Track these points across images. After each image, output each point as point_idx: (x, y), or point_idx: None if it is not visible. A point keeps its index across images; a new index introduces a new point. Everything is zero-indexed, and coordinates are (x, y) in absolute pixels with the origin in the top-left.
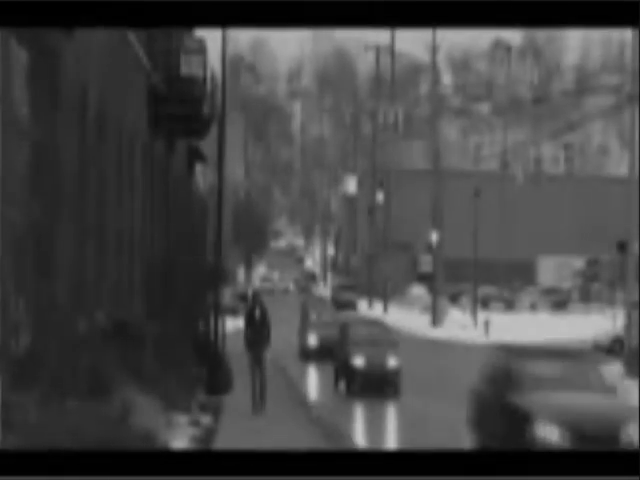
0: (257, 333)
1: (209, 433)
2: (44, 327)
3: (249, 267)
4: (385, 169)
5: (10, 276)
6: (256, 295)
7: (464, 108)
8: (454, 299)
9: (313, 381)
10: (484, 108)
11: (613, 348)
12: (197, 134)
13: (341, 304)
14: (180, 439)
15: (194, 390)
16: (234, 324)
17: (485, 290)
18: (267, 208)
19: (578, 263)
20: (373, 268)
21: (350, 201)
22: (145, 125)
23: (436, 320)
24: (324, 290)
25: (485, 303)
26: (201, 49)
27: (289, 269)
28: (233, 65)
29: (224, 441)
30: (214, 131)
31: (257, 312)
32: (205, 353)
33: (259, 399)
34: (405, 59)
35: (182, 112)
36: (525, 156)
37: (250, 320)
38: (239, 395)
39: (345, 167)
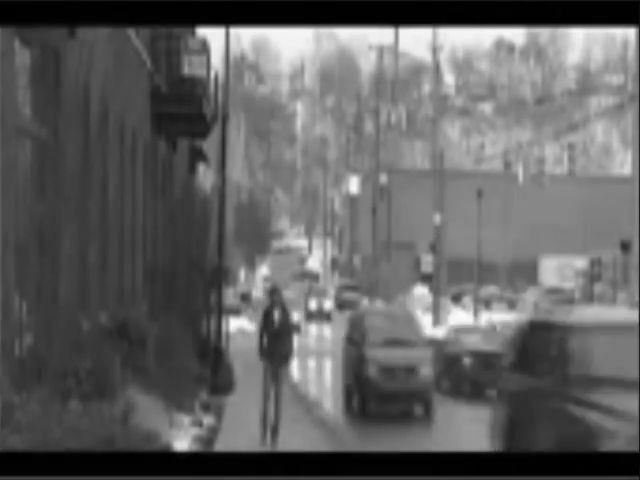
0: (275, 341)
1: (212, 433)
2: (47, 327)
3: (252, 267)
4: (388, 169)
5: (13, 276)
6: (275, 292)
7: (467, 108)
8: (456, 299)
9: None
10: (487, 108)
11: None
12: (200, 134)
13: (344, 304)
14: (183, 439)
15: (197, 390)
16: (236, 324)
17: (487, 290)
18: (269, 208)
19: (580, 263)
20: (375, 268)
21: (353, 201)
22: (148, 125)
23: (438, 320)
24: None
25: (488, 303)
26: (204, 49)
27: (292, 270)
28: (236, 65)
29: None
30: (217, 131)
31: (276, 314)
32: (208, 353)
33: (271, 428)
34: (408, 59)
35: (184, 112)
36: (528, 156)
37: (267, 324)
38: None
39: (348, 167)
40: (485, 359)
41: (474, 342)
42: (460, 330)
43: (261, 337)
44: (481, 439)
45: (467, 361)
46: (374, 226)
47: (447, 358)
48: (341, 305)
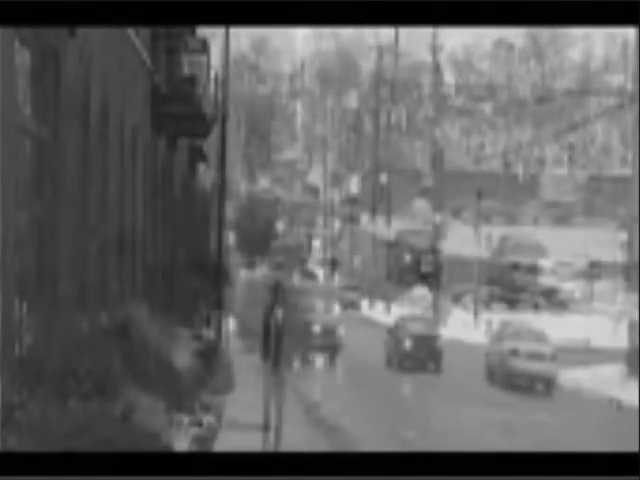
0: (278, 341)
1: (211, 433)
2: (47, 327)
3: (252, 267)
4: (387, 169)
5: (13, 276)
6: (278, 287)
7: (466, 108)
8: (457, 299)
9: None
10: (487, 108)
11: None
12: (199, 134)
13: (344, 304)
14: (183, 439)
15: (197, 390)
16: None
17: (488, 290)
18: (269, 208)
19: (580, 263)
20: (376, 268)
21: (353, 201)
22: (148, 125)
23: (438, 320)
24: None
25: (488, 303)
26: (204, 49)
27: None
28: (235, 64)
29: None
30: (216, 131)
31: (279, 312)
32: (208, 352)
33: (274, 434)
34: (408, 59)
35: (184, 112)
36: (528, 156)
37: (269, 322)
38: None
39: (348, 167)
40: (422, 341)
41: (415, 328)
42: (405, 318)
43: (264, 337)
44: None
45: (408, 342)
46: (374, 225)
47: (395, 341)
48: (342, 305)
